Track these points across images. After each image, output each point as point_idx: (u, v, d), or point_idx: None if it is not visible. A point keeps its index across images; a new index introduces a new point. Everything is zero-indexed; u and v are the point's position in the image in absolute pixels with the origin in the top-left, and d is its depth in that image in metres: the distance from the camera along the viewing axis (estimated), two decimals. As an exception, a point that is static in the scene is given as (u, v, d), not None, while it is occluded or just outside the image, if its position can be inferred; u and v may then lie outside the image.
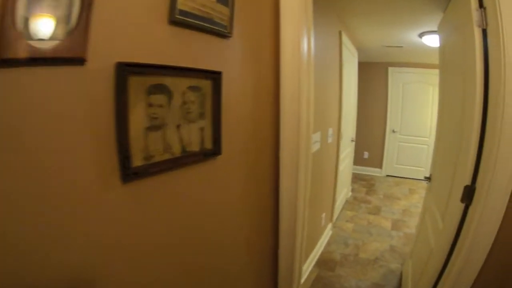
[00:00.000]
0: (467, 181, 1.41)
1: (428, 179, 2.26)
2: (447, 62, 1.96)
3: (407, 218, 3.90)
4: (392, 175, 5.69)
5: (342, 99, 3.21)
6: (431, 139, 5.28)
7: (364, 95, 5.47)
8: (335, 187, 3.35)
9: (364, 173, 5.83)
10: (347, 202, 4.37)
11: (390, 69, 5.28)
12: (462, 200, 1.43)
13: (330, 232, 3.39)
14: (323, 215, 2.95)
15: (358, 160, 5.76)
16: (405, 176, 5.58)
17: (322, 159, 2.65)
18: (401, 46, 3.87)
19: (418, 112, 5.31)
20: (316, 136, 2.28)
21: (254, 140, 1.50)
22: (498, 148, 1.21)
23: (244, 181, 1.47)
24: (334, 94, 2.96)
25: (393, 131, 5.50)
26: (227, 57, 1.25)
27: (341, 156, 3.57)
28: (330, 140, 2.83)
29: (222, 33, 1.18)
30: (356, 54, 4.13)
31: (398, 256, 2.99)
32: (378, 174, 5.76)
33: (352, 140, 4.31)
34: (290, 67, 1.55)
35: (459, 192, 1.45)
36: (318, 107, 2.28)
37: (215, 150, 1.20)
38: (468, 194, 1.39)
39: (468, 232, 1.38)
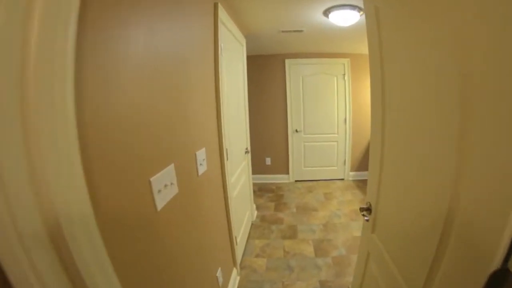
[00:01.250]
0: (497, 262, 0.62)
1: (366, 210, 1.52)
2: (397, 35, 1.17)
3: (332, 234, 3.21)
4: (302, 179, 5.12)
5: (221, 103, 2.09)
6: (340, 135, 4.88)
7: (259, 94, 4.75)
8: (230, 224, 2.33)
9: (269, 181, 5.12)
10: (253, 226, 3.47)
11: (287, 61, 4.64)
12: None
13: (238, 280, 2.43)
14: (219, 271, 1.95)
15: (259, 168, 5.03)
16: (317, 179, 5.09)
17: (193, 201, 1.52)
18: (302, 30, 3.18)
19: (322, 107, 4.82)
20: (163, 177, 1.13)
21: None
22: None
23: None
24: (207, 97, 1.84)
25: (296, 131, 4.91)
26: None
27: (233, 178, 2.57)
28: (203, 168, 1.68)
29: None
30: (244, 43, 3.23)
31: (333, 298, 2.24)
32: (285, 181, 5.12)
33: (247, 152, 3.40)
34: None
35: (466, 278, 0.67)
36: (162, 125, 1.17)
37: None
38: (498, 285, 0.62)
39: None
